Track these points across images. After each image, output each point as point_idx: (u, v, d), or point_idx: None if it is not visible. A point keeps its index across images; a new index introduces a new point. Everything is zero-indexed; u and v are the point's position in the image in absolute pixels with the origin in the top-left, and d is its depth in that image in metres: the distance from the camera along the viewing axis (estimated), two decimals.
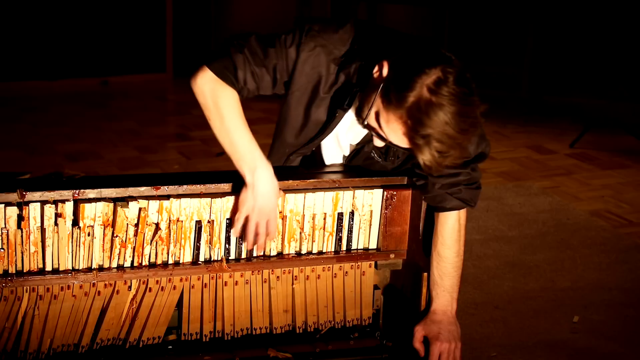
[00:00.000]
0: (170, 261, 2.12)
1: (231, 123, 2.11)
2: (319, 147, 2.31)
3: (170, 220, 2.08)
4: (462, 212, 2.25)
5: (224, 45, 2.16)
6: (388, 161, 2.24)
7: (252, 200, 2.09)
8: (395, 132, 1.98)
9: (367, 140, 2.23)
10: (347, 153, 2.30)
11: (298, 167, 2.29)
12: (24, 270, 2.02)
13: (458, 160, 1.99)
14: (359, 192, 2.21)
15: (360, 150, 2.25)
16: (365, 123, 2.05)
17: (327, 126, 2.21)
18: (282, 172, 2.20)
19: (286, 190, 2.16)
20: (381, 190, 2.23)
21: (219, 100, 2.11)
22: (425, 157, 1.94)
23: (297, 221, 2.18)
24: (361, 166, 2.29)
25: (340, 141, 2.29)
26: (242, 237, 2.13)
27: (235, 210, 2.12)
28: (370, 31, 2.20)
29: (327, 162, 2.32)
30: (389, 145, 2.05)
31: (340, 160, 2.32)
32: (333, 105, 2.19)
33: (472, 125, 1.95)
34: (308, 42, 2.16)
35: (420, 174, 2.19)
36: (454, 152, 1.94)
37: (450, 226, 2.25)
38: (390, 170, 2.27)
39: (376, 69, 2.03)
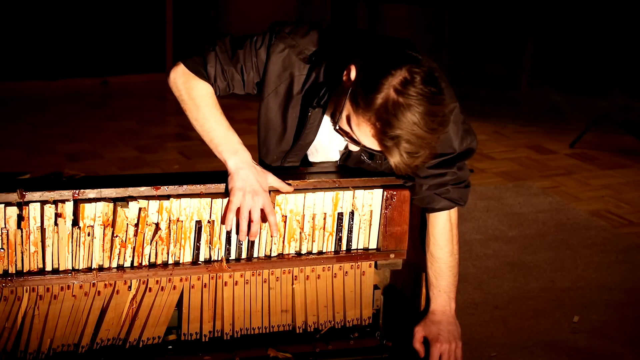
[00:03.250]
0: (170, 261, 2.12)
1: (207, 111, 2.16)
2: (306, 158, 2.32)
3: (170, 220, 2.08)
4: (453, 212, 2.25)
5: (199, 43, 2.20)
6: (376, 163, 2.24)
7: (241, 183, 2.08)
8: (365, 135, 1.98)
9: None
10: (337, 158, 2.30)
11: (298, 167, 2.29)
12: (24, 270, 2.02)
13: (428, 159, 1.99)
14: (359, 192, 2.21)
15: (350, 154, 2.25)
16: (337, 127, 2.06)
17: (302, 126, 2.21)
18: (282, 172, 2.20)
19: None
20: (381, 190, 2.23)
21: (192, 92, 2.17)
22: (395, 158, 1.94)
23: (297, 221, 2.18)
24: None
25: (326, 151, 2.30)
26: (236, 230, 2.11)
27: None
28: (340, 32, 2.21)
29: None
30: (364, 149, 2.05)
31: None
32: (304, 105, 2.20)
33: (441, 124, 1.94)
34: (278, 44, 2.18)
35: (408, 175, 2.20)
36: (424, 152, 1.94)
37: (442, 226, 2.25)
38: (386, 170, 2.26)
39: (345, 72, 2.03)
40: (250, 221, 2.10)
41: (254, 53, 2.19)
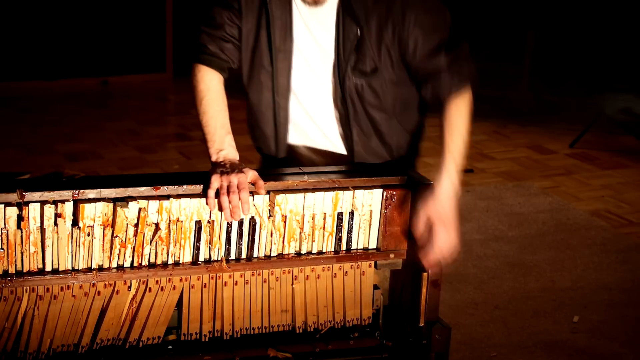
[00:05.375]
0: (170, 261, 2.12)
1: (204, 105, 2.23)
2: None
3: (170, 221, 2.08)
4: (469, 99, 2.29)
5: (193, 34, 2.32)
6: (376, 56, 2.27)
7: (219, 169, 2.11)
8: None
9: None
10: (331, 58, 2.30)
11: (298, 167, 2.29)
12: (24, 271, 2.02)
13: None
14: (358, 192, 2.21)
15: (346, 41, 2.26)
16: None
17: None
18: (282, 173, 2.20)
19: (286, 191, 2.16)
20: (381, 190, 2.23)
21: (197, 85, 2.26)
22: None
23: (297, 221, 2.18)
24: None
25: (320, 43, 2.31)
26: (220, 208, 2.09)
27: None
28: None
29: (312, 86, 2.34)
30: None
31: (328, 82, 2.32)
32: None
33: None
34: None
35: (425, 77, 2.27)
36: None
37: (467, 104, 2.27)
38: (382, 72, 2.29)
39: None
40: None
41: None
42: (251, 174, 2.12)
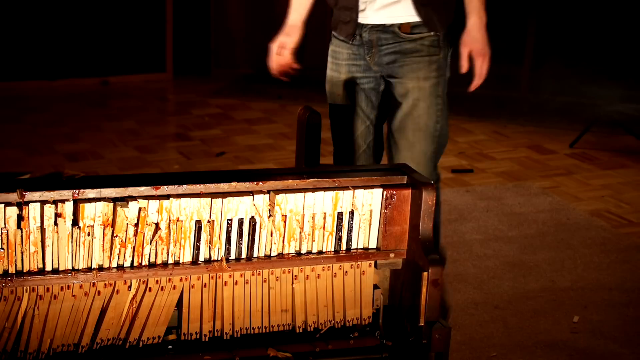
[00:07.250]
0: (170, 261, 2.13)
1: None
2: None
3: (170, 220, 2.08)
4: None
5: None
6: None
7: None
8: None
9: None
10: None
11: (299, 167, 2.29)
12: (24, 270, 2.02)
13: None
14: (358, 192, 2.21)
15: None
16: None
17: None
18: (282, 172, 2.20)
19: (286, 190, 2.16)
20: (381, 189, 2.23)
21: None
22: None
23: (296, 221, 2.18)
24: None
25: None
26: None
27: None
28: None
29: None
30: None
31: None
32: None
33: None
34: None
35: None
36: None
37: None
38: None
39: None
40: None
41: None
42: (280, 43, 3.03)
